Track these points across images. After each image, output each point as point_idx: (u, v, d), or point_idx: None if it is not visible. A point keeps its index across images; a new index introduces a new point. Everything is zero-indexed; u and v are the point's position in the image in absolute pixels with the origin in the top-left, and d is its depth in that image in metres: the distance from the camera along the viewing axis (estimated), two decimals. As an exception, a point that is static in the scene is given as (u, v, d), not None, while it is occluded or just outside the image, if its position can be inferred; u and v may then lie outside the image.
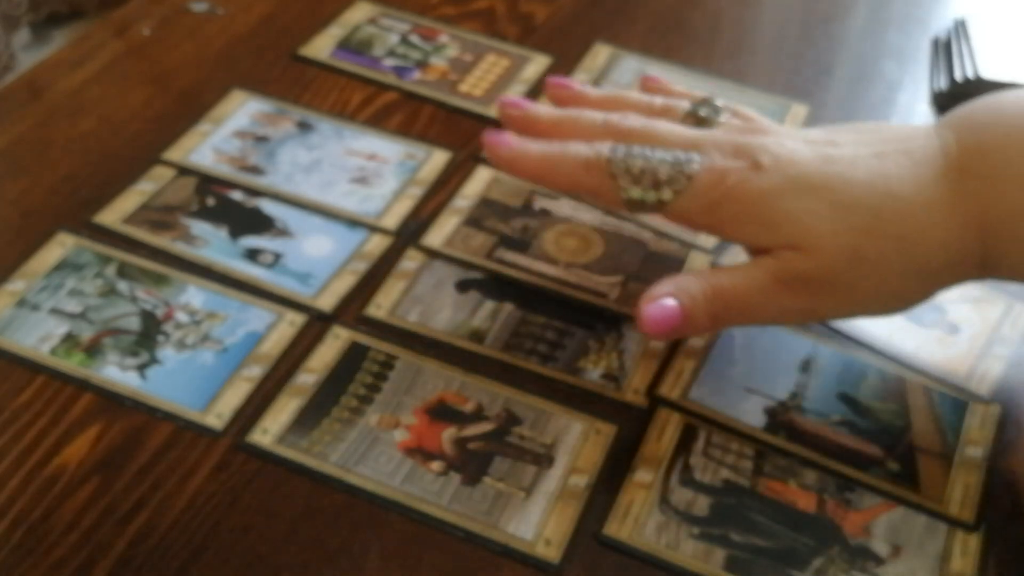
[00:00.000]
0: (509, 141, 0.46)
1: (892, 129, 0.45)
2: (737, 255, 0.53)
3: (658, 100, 0.49)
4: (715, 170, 0.43)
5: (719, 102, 0.48)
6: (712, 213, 0.43)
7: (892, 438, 0.46)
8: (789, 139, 0.45)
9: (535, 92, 0.63)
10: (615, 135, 0.46)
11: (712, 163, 0.43)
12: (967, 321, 0.51)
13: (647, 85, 0.52)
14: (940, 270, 0.43)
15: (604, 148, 0.45)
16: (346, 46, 0.65)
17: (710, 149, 0.44)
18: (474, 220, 0.54)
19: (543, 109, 0.49)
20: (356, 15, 0.68)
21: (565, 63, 0.65)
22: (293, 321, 0.49)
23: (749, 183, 0.43)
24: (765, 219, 0.43)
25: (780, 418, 0.47)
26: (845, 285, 0.43)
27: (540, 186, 0.55)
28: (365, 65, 0.64)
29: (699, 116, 0.47)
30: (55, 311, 0.48)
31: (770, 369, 0.48)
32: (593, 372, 0.48)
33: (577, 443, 0.45)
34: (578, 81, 0.53)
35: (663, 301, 0.44)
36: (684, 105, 0.48)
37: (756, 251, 0.45)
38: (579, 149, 0.45)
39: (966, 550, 0.43)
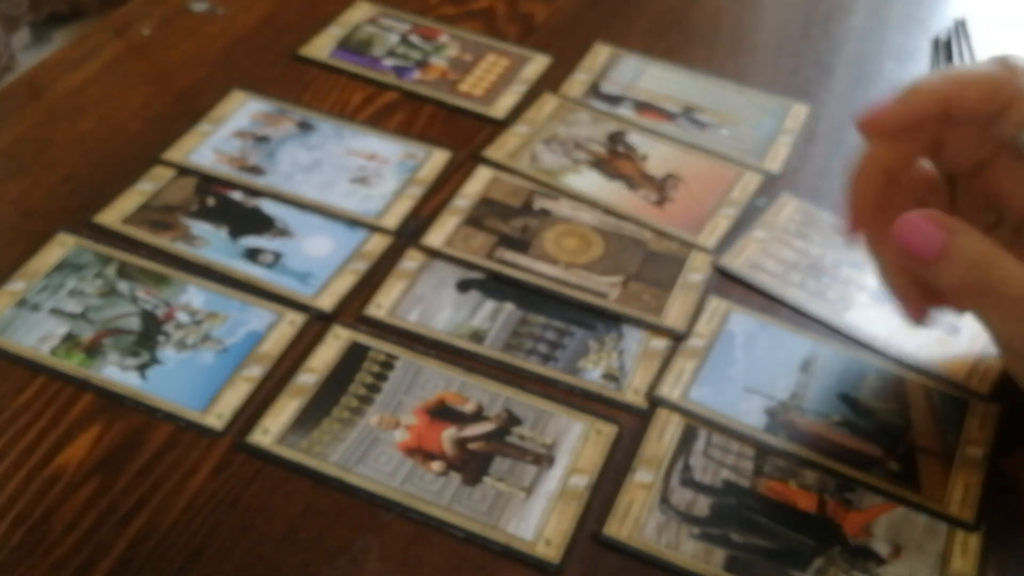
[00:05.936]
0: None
1: None
2: (736, 255, 0.53)
3: None
4: None
5: None
6: None
7: (892, 438, 0.46)
8: None
9: (535, 92, 0.63)
10: None
11: None
12: (967, 321, 0.51)
13: None
14: None
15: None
16: (346, 46, 0.65)
17: None
18: (474, 220, 0.54)
19: None
20: (356, 15, 0.68)
21: (565, 63, 0.65)
22: (293, 321, 0.49)
23: None
24: None
25: (780, 418, 0.47)
26: None
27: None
28: (365, 65, 0.64)
29: None
30: (55, 311, 0.48)
31: (770, 369, 0.48)
32: (593, 372, 0.48)
33: (577, 443, 0.45)
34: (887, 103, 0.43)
35: (932, 227, 0.39)
36: None
37: None
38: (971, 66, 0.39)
39: (966, 550, 0.43)
